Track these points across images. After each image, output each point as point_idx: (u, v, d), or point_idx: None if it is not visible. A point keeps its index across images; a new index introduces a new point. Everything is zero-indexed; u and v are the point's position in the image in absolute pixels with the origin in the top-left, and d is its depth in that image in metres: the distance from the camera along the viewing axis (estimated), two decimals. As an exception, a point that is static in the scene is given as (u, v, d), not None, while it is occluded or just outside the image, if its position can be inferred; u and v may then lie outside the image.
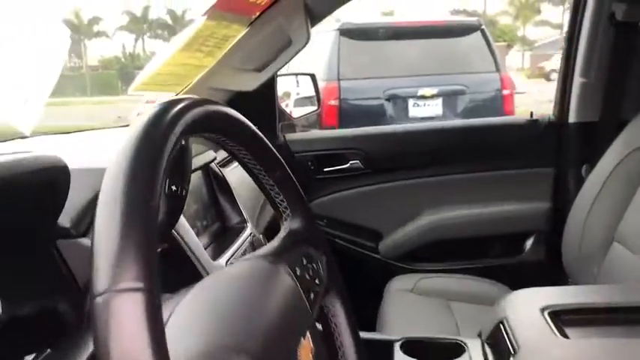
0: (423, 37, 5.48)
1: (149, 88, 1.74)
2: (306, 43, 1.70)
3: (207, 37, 1.67)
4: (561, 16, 36.68)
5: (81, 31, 36.50)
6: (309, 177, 1.98)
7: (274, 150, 0.66)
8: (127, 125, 1.84)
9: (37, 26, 1.49)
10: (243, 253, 1.03)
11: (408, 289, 1.69)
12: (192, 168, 1.02)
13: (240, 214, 1.15)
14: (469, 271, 1.85)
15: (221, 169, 1.20)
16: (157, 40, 38.99)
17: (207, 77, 1.77)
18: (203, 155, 1.11)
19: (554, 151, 1.98)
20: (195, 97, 0.55)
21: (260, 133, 0.65)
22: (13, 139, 1.45)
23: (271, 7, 1.69)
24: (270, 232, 1.36)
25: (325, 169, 1.98)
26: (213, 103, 0.56)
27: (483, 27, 5.57)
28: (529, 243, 2.00)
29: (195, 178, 1.08)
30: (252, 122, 1.74)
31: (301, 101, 3.01)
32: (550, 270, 1.93)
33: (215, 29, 1.66)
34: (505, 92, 5.44)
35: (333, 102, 5.01)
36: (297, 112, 2.83)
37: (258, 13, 1.71)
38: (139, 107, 1.83)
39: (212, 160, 1.16)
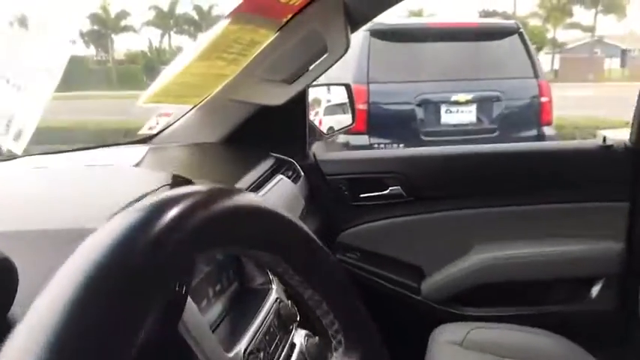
0: (457, 39, 5.25)
1: (162, 100, 1.52)
2: (345, 52, 1.48)
3: (230, 43, 1.44)
4: (593, 18, 36.04)
5: (108, 25, 36.77)
6: (342, 203, 1.73)
7: (323, 250, 0.43)
8: (138, 141, 1.62)
9: (34, 32, 1.27)
10: (266, 333, 0.80)
11: (456, 341, 1.43)
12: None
13: (265, 274, 0.92)
14: (525, 318, 1.59)
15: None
16: (183, 36, 39.16)
17: (229, 88, 1.56)
18: None
19: (631, 183, 1.70)
20: (201, 188, 0.32)
21: (305, 229, 0.41)
22: (1, 160, 1.25)
23: (305, 9, 1.46)
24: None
25: (361, 195, 1.73)
26: (227, 195, 0.33)
27: (521, 30, 5.30)
28: (596, 289, 1.73)
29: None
30: (278, 140, 1.50)
31: (332, 109, 2.78)
32: (620, 321, 1.66)
33: (240, 34, 1.43)
34: (543, 100, 5.17)
35: (362, 106, 4.78)
36: (327, 121, 2.63)
37: (289, 16, 1.48)
38: (151, 120, 1.61)
39: None
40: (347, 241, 1.74)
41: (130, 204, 0.70)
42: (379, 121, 4.81)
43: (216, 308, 0.82)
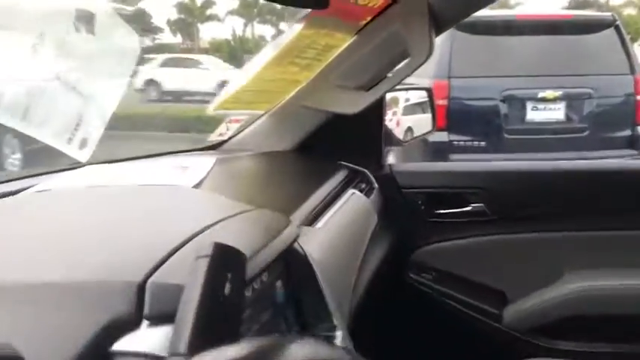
0: (547, 32, 4.99)
1: (233, 106, 1.46)
2: (428, 58, 1.36)
3: (304, 47, 1.36)
4: (697, 7, 33.70)
5: (194, 14, 37.76)
6: (418, 218, 1.61)
7: None
8: (208, 147, 1.57)
9: (100, 37, 1.23)
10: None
11: None
12: (265, 264, 0.70)
13: (329, 316, 0.82)
14: (621, 356, 1.43)
15: (303, 246, 0.87)
16: (266, 25, 39.67)
17: (302, 94, 1.49)
18: (282, 237, 0.78)
19: None
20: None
21: None
22: (64, 170, 1.22)
23: (386, 11, 1.35)
24: (360, 327, 1.02)
25: (439, 211, 1.61)
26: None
27: (618, 23, 4.97)
28: None
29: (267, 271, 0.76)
30: (352, 149, 1.40)
31: (411, 108, 2.66)
32: None
33: (314, 38, 1.34)
34: (640, 97, 4.82)
35: (442, 101, 4.61)
36: (406, 122, 2.52)
37: (368, 19, 1.38)
38: (221, 126, 1.55)
39: (295, 240, 0.83)
40: (421, 260, 1.63)
41: (168, 256, 0.63)
42: (460, 118, 4.65)
43: None
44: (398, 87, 1.75)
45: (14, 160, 4.76)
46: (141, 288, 0.56)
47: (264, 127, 1.54)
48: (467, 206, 1.59)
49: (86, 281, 0.57)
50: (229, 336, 0.48)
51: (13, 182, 1.09)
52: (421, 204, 1.61)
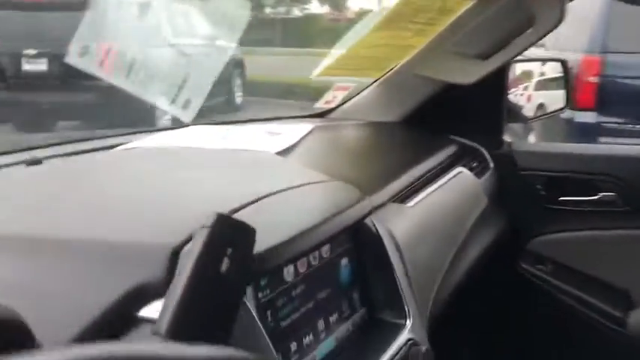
0: None
1: (337, 72, 1.40)
2: (557, 26, 1.22)
3: (416, 10, 1.26)
4: None
5: (341, -16, 38.00)
6: (537, 205, 1.46)
7: None
8: (314, 115, 1.53)
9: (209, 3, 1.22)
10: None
11: None
12: (324, 239, 0.65)
13: (399, 301, 0.74)
14: None
15: (376, 223, 0.79)
16: (412, -5, 39.01)
17: (413, 62, 1.41)
18: (350, 212, 0.71)
19: None
20: None
21: None
22: (167, 129, 1.24)
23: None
24: (451, 316, 0.93)
25: (561, 198, 1.44)
26: None
27: None
28: None
29: (328, 247, 0.69)
30: (468, 123, 1.28)
31: (545, 84, 2.45)
32: None
33: (426, 2, 1.24)
34: None
35: (592, 79, 4.23)
36: (537, 97, 2.32)
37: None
38: (328, 94, 1.50)
39: (367, 214, 0.76)
40: (537, 250, 1.47)
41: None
42: (612, 97, 4.25)
43: (326, 345, 0.68)
44: (526, 58, 1.60)
45: (166, 121, 5.07)
46: (175, 254, 0.53)
47: (372, 95, 1.47)
48: (595, 194, 1.41)
49: (121, 242, 0.55)
50: (221, 317, 0.43)
51: (113, 138, 1.12)
52: (541, 188, 1.46)
